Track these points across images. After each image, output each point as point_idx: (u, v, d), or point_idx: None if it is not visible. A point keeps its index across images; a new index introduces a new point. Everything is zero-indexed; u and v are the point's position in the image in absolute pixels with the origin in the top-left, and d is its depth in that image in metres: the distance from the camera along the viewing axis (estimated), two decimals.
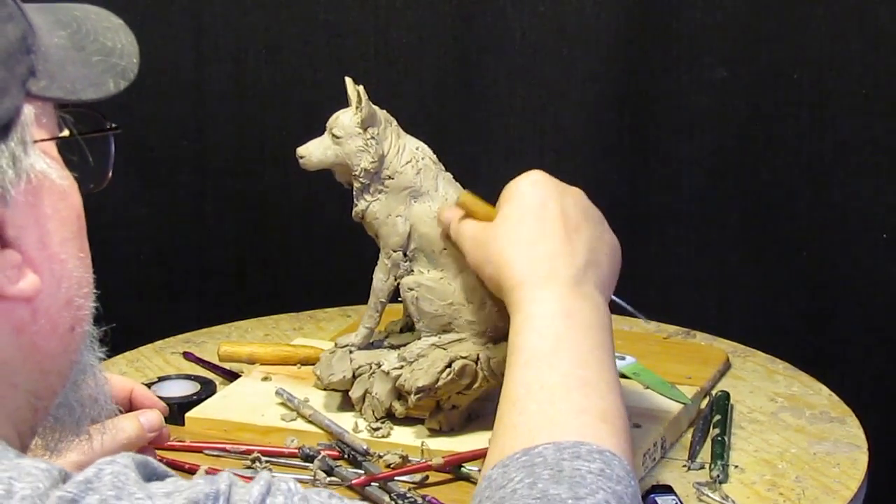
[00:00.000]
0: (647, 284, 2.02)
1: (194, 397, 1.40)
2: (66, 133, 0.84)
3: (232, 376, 1.48)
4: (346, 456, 1.29)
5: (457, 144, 1.92)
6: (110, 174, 0.88)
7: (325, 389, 1.37)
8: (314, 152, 1.33)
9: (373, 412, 1.33)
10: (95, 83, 0.84)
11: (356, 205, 1.35)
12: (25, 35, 0.78)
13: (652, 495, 1.24)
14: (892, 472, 1.52)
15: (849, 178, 1.95)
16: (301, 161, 1.33)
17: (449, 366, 1.29)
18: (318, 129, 2.01)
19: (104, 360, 0.94)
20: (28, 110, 0.79)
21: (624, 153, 2.01)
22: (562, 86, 1.98)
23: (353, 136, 1.31)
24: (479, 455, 1.22)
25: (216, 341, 1.57)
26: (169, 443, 1.22)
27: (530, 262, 1.12)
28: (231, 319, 1.69)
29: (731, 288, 2.03)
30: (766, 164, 1.97)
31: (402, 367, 1.31)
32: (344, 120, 1.32)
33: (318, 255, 2.05)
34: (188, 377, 1.45)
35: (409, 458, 1.28)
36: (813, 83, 1.93)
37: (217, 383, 1.45)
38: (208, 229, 2.04)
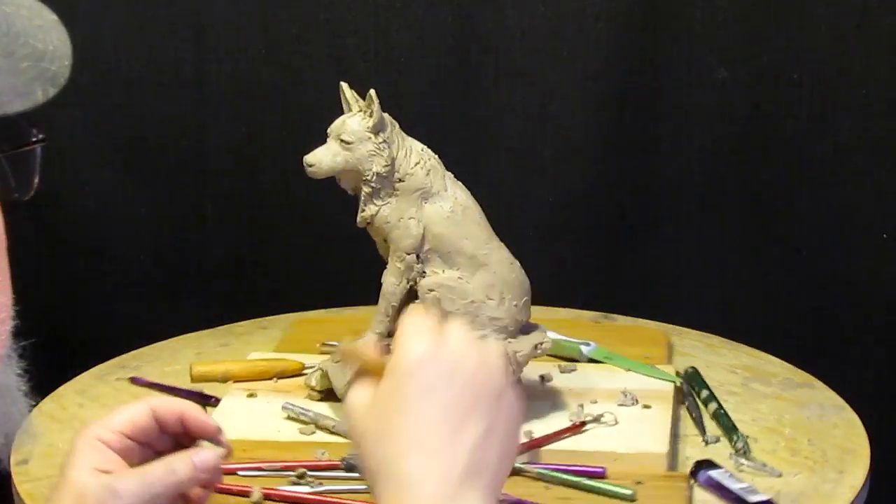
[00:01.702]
0: (647, 284, 2.03)
1: None
2: None
3: (202, 398, 1.42)
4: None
5: (457, 144, 1.92)
6: (36, 183, 0.85)
7: (339, 399, 1.34)
8: (323, 160, 1.32)
9: None
10: (23, 93, 0.79)
11: (363, 210, 1.34)
12: None
13: (702, 471, 1.27)
14: (893, 472, 1.52)
15: (849, 178, 1.95)
16: (310, 170, 1.32)
17: None
18: (318, 129, 2.01)
19: (27, 382, 0.89)
20: None
21: (624, 153, 2.01)
22: (562, 86, 1.98)
23: (364, 140, 1.30)
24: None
25: (151, 365, 1.55)
26: None
27: (389, 470, 0.86)
28: (231, 320, 1.69)
29: (730, 288, 2.03)
30: (766, 164, 1.97)
31: None
32: (353, 125, 1.31)
33: (317, 255, 2.05)
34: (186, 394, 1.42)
35: None
36: (813, 83, 1.93)
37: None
38: (208, 229, 2.04)
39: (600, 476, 1.29)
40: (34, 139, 0.82)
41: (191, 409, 1.06)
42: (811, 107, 1.94)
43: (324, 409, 1.38)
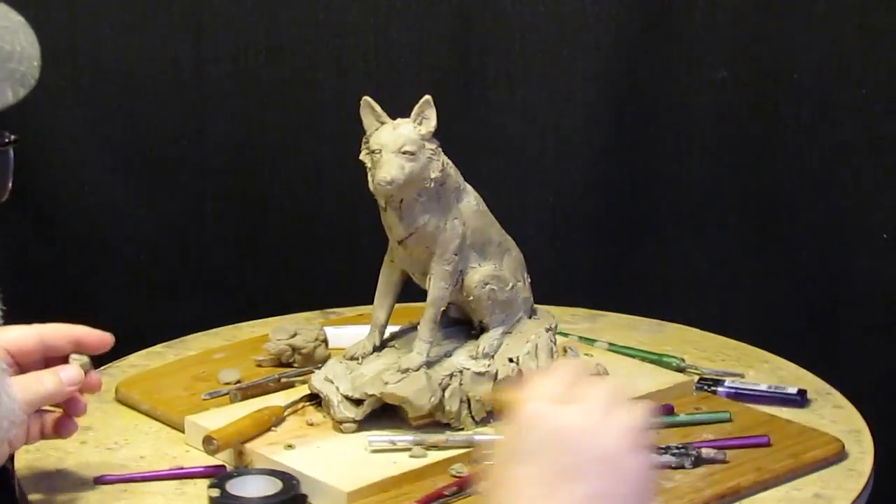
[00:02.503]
0: (648, 284, 2.03)
1: (282, 496, 1.20)
2: None
3: (214, 469, 1.30)
4: None
5: (457, 144, 1.91)
6: (10, 186, 0.84)
7: (415, 420, 1.31)
8: (398, 175, 1.26)
9: (472, 416, 1.32)
10: None
11: (414, 221, 1.30)
12: None
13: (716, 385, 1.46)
14: (894, 471, 1.52)
15: (849, 178, 1.95)
16: (389, 188, 1.26)
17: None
18: (318, 129, 2.02)
19: None
20: None
21: (624, 153, 2.01)
22: (562, 86, 1.98)
23: (422, 148, 1.28)
24: None
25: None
26: None
27: None
28: (231, 320, 1.69)
29: (731, 288, 2.03)
30: (766, 164, 1.97)
31: (489, 362, 1.33)
32: (411, 135, 1.28)
33: (317, 255, 2.05)
34: (263, 472, 1.25)
35: None
36: (813, 83, 1.93)
37: (296, 482, 1.22)
38: (208, 229, 2.04)
39: (672, 411, 1.40)
40: (6, 140, 0.82)
41: (82, 331, 1.23)
42: (811, 107, 1.94)
43: (407, 434, 1.31)
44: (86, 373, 1.23)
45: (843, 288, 1.98)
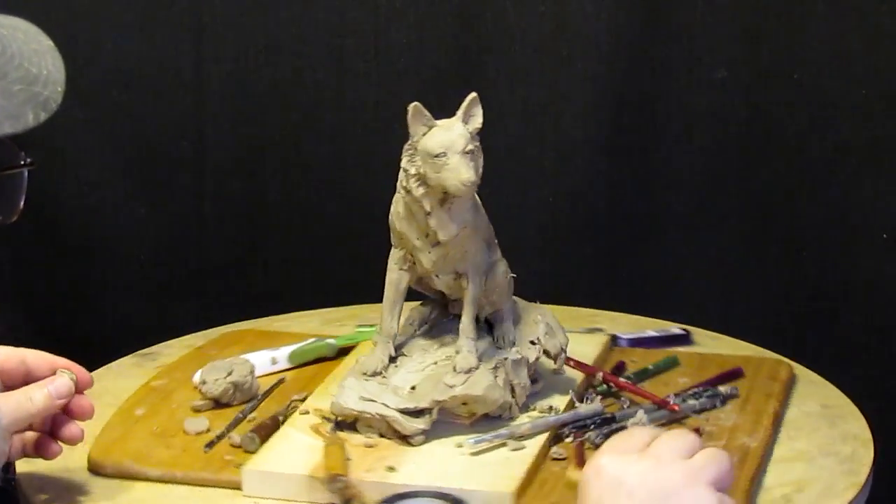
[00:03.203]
0: (648, 284, 2.03)
1: None
2: None
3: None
4: (596, 424, 1.32)
5: None
6: (21, 207, 0.84)
7: (474, 418, 1.31)
8: (475, 175, 1.26)
9: (517, 403, 1.33)
10: (14, 115, 0.80)
11: (460, 222, 1.29)
12: None
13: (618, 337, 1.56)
14: (894, 471, 1.52)
15: (849, 178, 1.95)
16: (473, 187, 1.26)
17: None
18: (318, 129, 2.02)
19: None
20: None
21: (624, 153, 2.01)
22: (562, 86, 1.98)
23: (476, 145, 1.29)
24: None
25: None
26: None
27: None
28: (231, 320, 1.69)
29: (731, 288, 2.03)
30: (766, 164, 1.97)
31: (518, 348, 1.35)
32: (467, 134, 1.28)
33: (318, 255, 2.05)
34: (434, 494, 1.20)
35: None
36: (813, 83, 1.93)
37: (455, 498, 1.19)
38: (208, 229, 2.04)
39: (626, 366, 1.49)
40: (22, 163, 0.82)
41: (65, 364, 1.19)
42: (811, 107, 1.94)
43: (495, 430, 1.30)
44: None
45: (843, 288, 1.98)
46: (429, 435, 1.29)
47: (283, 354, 1.50)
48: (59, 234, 1.98)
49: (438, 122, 1.28)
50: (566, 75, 1.97)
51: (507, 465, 1.25)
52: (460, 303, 1.38)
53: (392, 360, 1.34)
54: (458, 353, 1.32)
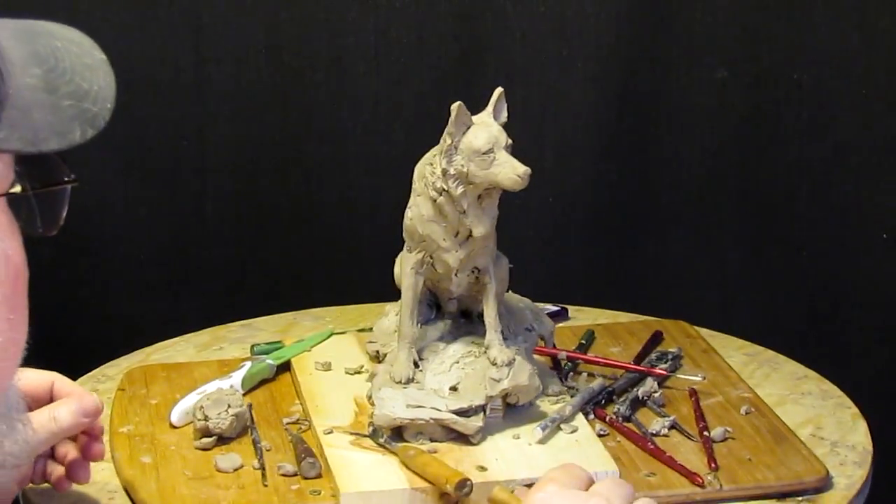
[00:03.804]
0: (647, 284, 2.03)
1: None
2: (16, 189, 0.79)
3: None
4: (604, 401, 1.38)
5: None
6: (62, 222, 0.84)
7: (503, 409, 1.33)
8: (527, 167, 1.29)
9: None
10: (60, 132, 0.78)
11: (491, 216, 1.31)
12: None
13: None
14: (894, 470, 1.52)
15: (849, 178, 1.95)
16: (528, 178, 1.29)
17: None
18: (318, 129, 2.02)
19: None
20: None
21: (624, 153, 2.01)
22: (562, 86, 1.98)
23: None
24: None
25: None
26: None
27: None
28: (231, 319, 1.69)
29: (731, 288, 2.03)
30: (766, 164, 1.98)
31: (523, 336, 1.38)
32: (503, 129, 1.29)
33: (317, 255, 2.05)
34: None
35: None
36: (813, 83, 1.93)
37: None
38: (208, 229, 2.04)
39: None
40: (66, 179, 0.81)
41: (61, 381, 1.16)
42: (811, 107, 1.94)
43: (546, 414, 1.34)
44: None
45: (844, 288, 1.98)
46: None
47: (236, 381, 1.45)
48: (58, 234, 1.98)
49: (479, 119, 1.30)
50: (566, 75, 1.97)
51: (583, 446, 1.29)
52: (461, 300, 1.39)
53: (416, 365, 1.35)
54: (488, 348, 1.33)
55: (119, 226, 2.01)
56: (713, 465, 1.27)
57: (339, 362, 1.47)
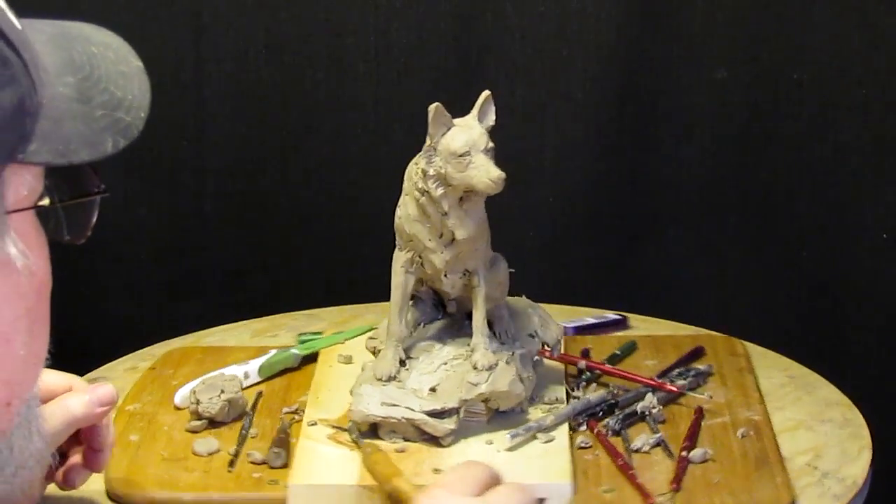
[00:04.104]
0: (647, 284, 2.03)
1: None
2: (45, 202, 0.78)
3: None
4: (602, 413, 1.34)
5: None
6: (90, 232, 0.83)
7: (490, 414, 1.32)
8: (502, 172, 1.26)
9: (527, 395, 1.34)
10: (91, 142, 0.77)
11: (475, 219, 1.29)
12: (24, 98, 0.73)
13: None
14: (894, 470, 1.52)
15: (849, 178, 1.95)
16: (502, 183, 1.26)
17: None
18: (318, 129, 2.02)
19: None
20: (7, 177, 0.73)
21: (624, 153, 2.01)
22: (562, 86, 1.98)
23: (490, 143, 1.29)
24: None
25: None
26: None
27: None
28: (231, 320, 1.69)
29: (731, 288, 2.03)
30: (766, 164, 1.97)
31: (519, 343, 1.36)
32: (485, 133, 1.28)
33: (317, 255, 2.05)
34: None
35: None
36: (813, 83, 1.93)
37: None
38: (208, 229, 2.04)
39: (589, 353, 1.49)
40: (95, 190, 0.81)
41: (79, 384, 1.12)
42: (811, 107, 1.94)
43: (524, 423, 1.32)
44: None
45: (843, 287, 1.98)
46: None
47: (252, 369, 1.48)
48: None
49: (456, 121, 1.29)
50: (566, 75, 1.97)
51: (550, 456, 1.26)
52: (460, 301, 1.38)
53: (402, 364, 1.34)
54: (473, 351, 1.33)
55: (119, 226, 2.01)
56: (675, 485, 1.23)
57: (362, 357, 1.47)
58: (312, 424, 1.34)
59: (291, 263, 2.06)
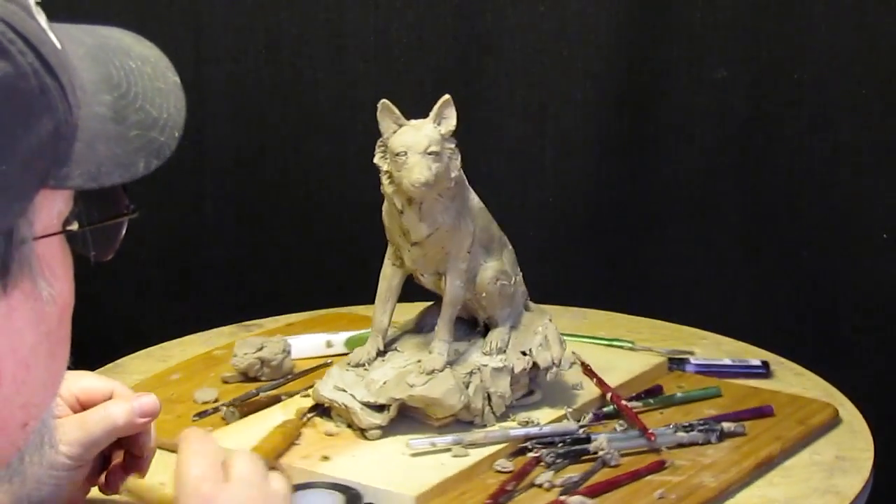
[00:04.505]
0: (648, 284, 2.03)
1: None
2: (73, 227, 0.76)
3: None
4: (565, 443, 1.29)
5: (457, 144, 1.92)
6: (116, 249, 0.82)
7: (442, 421, 1.31)
8: (429, 176, 1.24)
9: (493, 411, 1.32)
10: (124, 164, 0.75)
11: (431, 223, 1.28)
12: (59, 124, 0.71)
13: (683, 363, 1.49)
14: (894, 471, 1.52)
15: (849, 178, 1.95)
16: (424, 189, 1.24)
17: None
18: (317, 130, 2.02)
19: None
20: (39, 205, 0.72)
21: (624, 153, 2.01)
22: (562, 86, 1.98)
23: (444, 148, 1.27)
24: None
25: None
26: None
27: None
28: (231, 320, 1.69)
29: (731, 288, 2.03)
30: (766, 164, 1.97)
31: (503, 357, 1.33)
32: (435, 135, 1.27)
33: (317, 255, 2.05)
34: (325, 485, 1.21)
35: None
36: (813, 83, 1.93)
37: (356, 492, 1.20)
38: (208, 229, 2.04)
39: (662, 391, 1.43)
40: (124, 211, 0.79)
41: (121, 390, 1.11)
42: (811, 107, 1.94)
43: (444, 435, 1.30)
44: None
45: (843, 288, 1.98)
46: (391, 431, 1.30)
47: (339, 339, 1.51)
48: None
49: (411, 121, 1.28)
50: (566, 75, 1.97)
51: (433, 469, 1.24)
52: (463, 305, 1.38)
53: (381, 353, 1.35)
54: (430, 353, 1.33)
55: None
56: None
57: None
58: (306, 396, 1.39)
59: (291, 263, 2.06)
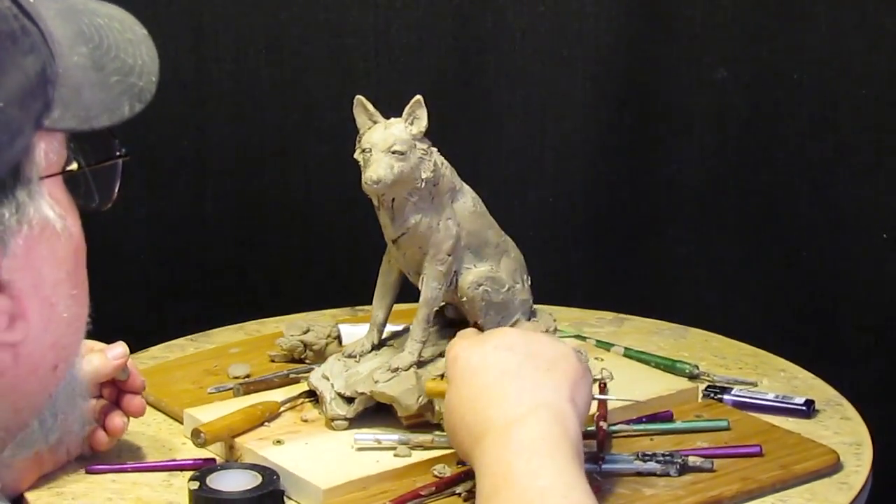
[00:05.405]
0: (648, 284, 2.03)
1: (259, 491, 1.20)
2: (73, 167, 0.80)
3: (203, 462, 1.30)
4: None
5: (456, 144, 1.91)
6: (116, 195, 0.86)
7: (406, 420, 1.31)
8: (385, 175, 1.25)
9: None
10: (110, 108, 0.81)
11: (405, 221, 1.29)
12: (45, 66, 0.76)
13: (723, 394, 1.43)
14: (894, 471, 1.53)
15: (849, 178, 1.95)
16: (375, 187, 1.25)
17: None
18: (317, 130, 2.02)
19: None
20: (37, 146, 0.76)
21: (624, 153, 2.01)
22: (562, 86, 1.98)
23: (413, 148, 1.27)
24: None
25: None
26: None
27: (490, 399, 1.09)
28: (231, 321, 1.69)
29: (731, 288, 2.03)
30: (766, 164, 1.98)
31: None
32: (402, 134, 1.27)
33: (317, 255, 2.05)
34: (245, 466, 1.25)
35: None
36: (813, 83, 1.93)
37: (276, 477, 1.23)
38: (208, 229, 2.04)
39: (670, 418, 1.38)
40: (118, 153, 0.84)
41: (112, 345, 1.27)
42: (811, 107, 1.94)
43: (394, 433, 1.31)
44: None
45: (843, 288, 1.98)
46: (359, 424, 1.32)
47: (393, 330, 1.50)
48: None
49: (386, 120, 1.29)
50: (566, 75, 1.97)
51: (364, 465, 1.26)
52: (453, 306, 1.38)
53: (376, 347, 1.36)
54: (401, 351, 1.34)
55: (119, 226, 2.01)
56: None
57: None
58: (296, 381, 1.44)
59: (291, 263, 2.06)
